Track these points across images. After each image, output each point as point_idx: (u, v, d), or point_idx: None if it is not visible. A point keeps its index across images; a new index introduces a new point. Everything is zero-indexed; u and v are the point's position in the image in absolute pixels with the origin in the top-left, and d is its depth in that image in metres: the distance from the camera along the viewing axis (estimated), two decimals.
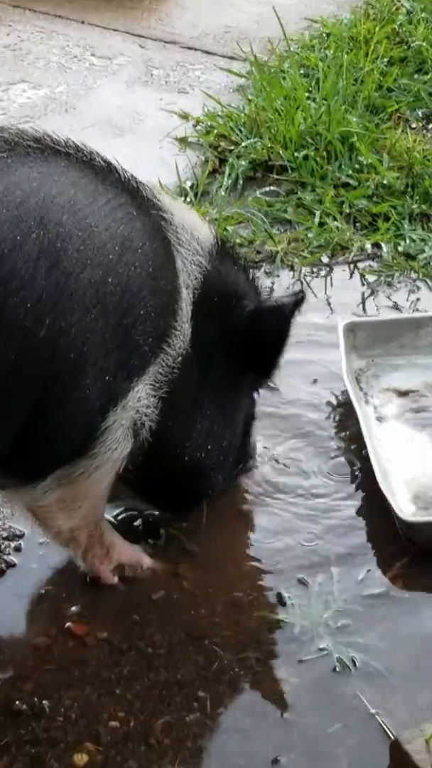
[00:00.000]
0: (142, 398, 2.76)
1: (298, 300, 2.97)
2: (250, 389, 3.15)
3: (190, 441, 2.95)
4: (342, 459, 3.43)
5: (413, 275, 4.20)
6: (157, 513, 3.22)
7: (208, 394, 2.96)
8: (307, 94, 4.91)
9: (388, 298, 4.10)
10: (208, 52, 5.66)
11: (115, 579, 3.05)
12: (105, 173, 2.75)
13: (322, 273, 4.24)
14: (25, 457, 2.68)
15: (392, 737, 2.61)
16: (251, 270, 3.14)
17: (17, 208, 2.53)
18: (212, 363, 2.95)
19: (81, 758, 2.66)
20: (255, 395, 3.21)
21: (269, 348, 3.00)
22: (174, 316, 2.79)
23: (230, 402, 3.04)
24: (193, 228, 2.90)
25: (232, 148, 4.77)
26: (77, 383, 2.61)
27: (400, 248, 4.31)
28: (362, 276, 4.21)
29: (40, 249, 2.53)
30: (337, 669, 2.85)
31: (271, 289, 4.05)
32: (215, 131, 4.86)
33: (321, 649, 2.89)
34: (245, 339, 2.96)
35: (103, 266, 2.62)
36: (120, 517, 3.24)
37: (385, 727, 2.69)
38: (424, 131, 4.92)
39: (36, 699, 2.78)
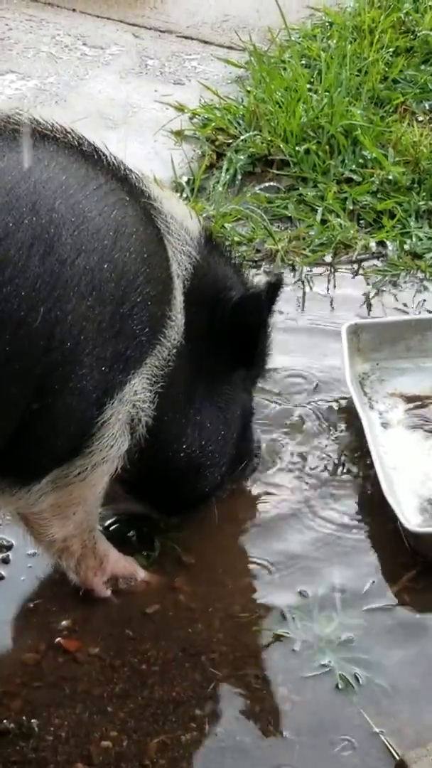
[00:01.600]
0: (138, 392, 2.78)
1: (273, 287, 3.01)
2: (245, 384, 3.18)
3: (186, 437, 2.97)
4: (346, 467, 3.44)
5: (420, 275, 4.22)
6: (154, 518, 3.23)
7: (201, 389, 2.99)
8: (308, 86, 4.93)
9: (394, 298, 4.11)
10: (206, 42, 5.68)
11: (109, 592, 3.06)
12: (94, 158, 2.78)
13: (325, 272, 4.25)
14: (21, 456, 2.70)
15: (397, 757, 2.62)
16: (238, 261, 3.18)
17: (8, 194, 2.54)
18: (205, 357, 2.97)
19: None
20: (250, 390, 3.24)
21: (248, 337, 3.03)
22: (168, 305, 2.82)
23: (224, 397, 3.06)
24: (182, 218, 2.93)
25: (230, 141, 4.79)
26: (74, 374, 2.63)
27: (406, 247, 4.32)
28: (366, 276, 4.22)
29: (34, 235, 2.54)
30: (340, 686, 2.85)
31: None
32: (212, 124, 4.88)
33: (323, 666, 2.90)
34: (229, 330, 2.99)
35: (98, 252, 2.64)
36: (113, 528, 3.25)
37: (389, 747, 2.70)
38: (431, 124, 4.93)
39: (24, 718, 2.79)
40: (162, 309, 2.80)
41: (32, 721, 2.78)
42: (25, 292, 2.52)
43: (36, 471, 2.77)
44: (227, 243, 3.07)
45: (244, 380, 3.16)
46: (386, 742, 2.72)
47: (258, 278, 3.93)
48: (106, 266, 2.65)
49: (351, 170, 4.61)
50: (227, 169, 4.64)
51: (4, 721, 2.78)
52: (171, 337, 2.83)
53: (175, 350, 2.85)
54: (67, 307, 2.58)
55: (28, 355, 2.55)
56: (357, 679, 2.86)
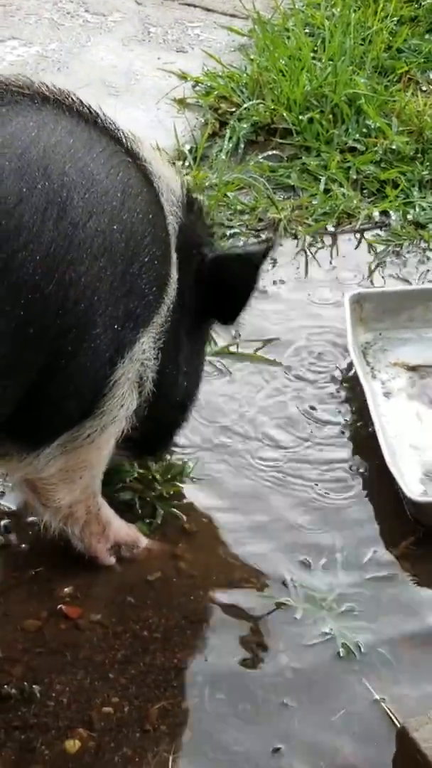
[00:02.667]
0: (146, 350, 2.82)
1: (266, 249, 3.03)
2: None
3: (177, 386, 3.04)
4: (348, 436, 3.44)
5: (423, 245, 4.21)
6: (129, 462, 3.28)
7: (185, 339, 3.03)
8: (312, 54, 4.91)
9: (397, 268, 4.11)
10: (208, 9, 5.65)
11: (113, 560, 3.08)
12: (94, 121, 2.78)
13: (328, 242, 4.24)
14: (33, 419, 2.71)
15: (398, 725, 2.62)
16: (209, 217, 3.23)
17: (19, 159, 2.54)
18: (187, 309, 3.00)
19: (73, 745, 2.68)
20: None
21: (235, 296, 3.07)
22: (170, 264, 2.87)
23: (201, 345, 3.16)
24: (169, 179, 2.94)
25: (233, 110, 4.77)
26: (87, 334, 2.64)
27: (409, 216, 4.31)
28: (369, 245, 4.22)
29: (47, 200, 2.55)
30: (341, 654, 2.86)
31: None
32: (215, 92, 4.85)
33: (324, 634, 2.91)
34: (209, 286, 3.02)
35: (107, 214, 2.66)
36: (115, 495, 3.25)
37: (391, 715, 2.71)
38: None
39: (26, 683, 2.80)
40: (165, 268, 2.84)
41: (34, 686, 2.79)
42: (39, 257, 2.53)
43: (47, 434, 2.78)
44: (199, 201, 3.09)
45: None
46: (387, 710, 2.73)
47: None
48: (116, 227, 2.67)
49: (354, 139, 4.60)
50: (230, 138, 4.62)
51: (6, 686, 2.78)
52: (170, 294, 2.88)
53: (171, 306, 2.89)
54: (80, 269, 2.59)
55: (43, 319, 2.56)
56: (358, 647, 2.87)
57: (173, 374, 3.00)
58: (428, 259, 4.15)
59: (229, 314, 3.12)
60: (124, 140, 2.82)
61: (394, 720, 2.69)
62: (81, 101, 2.79)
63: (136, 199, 2.74)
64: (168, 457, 3.35)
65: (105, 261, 2.64)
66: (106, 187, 2.67)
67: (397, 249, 4.19)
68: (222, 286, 3.03)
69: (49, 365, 2.62)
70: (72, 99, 2.78)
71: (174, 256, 2.90)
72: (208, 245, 3.08)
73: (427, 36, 5.19)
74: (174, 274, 2.89)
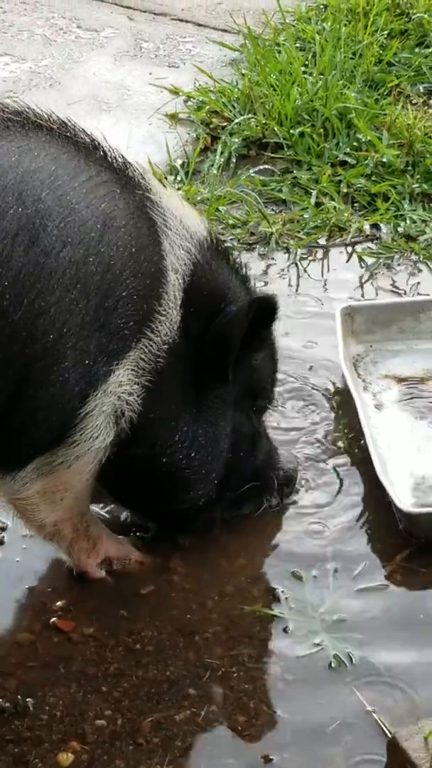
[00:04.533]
0: (123, 383, 2.77)
1: (257, 304, 2.88)
2: (241, 404, 3.05)
3: (171, 439, 2.90)
4: (340, 448, 3.46)
5: (414, 257, 4.23)
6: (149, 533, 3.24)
7: (195, 394, 2.91)
8: (303, 69, 4.95)
9: (388, 281, 4.13)
10: (200, 25, 5.68)
11: (103, 573, 3.09)
12: (89, 150, 2.77)
13: (319, 255, 4.26)
14: (3, 446, 2.71)
15: (389, 735, 2.64)
16: (246, 273, 3.06)
17: None
18: (199, 364, 2.90)
19: (66, 758, 2.70)
20: (249, 414, 3.11)
21: (221, 353, 2.90)
22: (158, 300, 2.79)
23: (213, 412, 2.96)
24: (183, 215, 2.89)
25: (224, 124, 4.80)
26: (56, 366, 2.63)
27: (400, 229, 4.34)
28: (360, 258, 4.24)
29: (19, 226, 2.55)
30: (333, 665, 2.88)
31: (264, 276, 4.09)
32: (207, 107, 4.89)
33: (316, 645, 2.93)
34: (209, 342, 2.89)
35: (84, 245, 2.64)
36: (107, 510, 3.27)
37: (381, 725, 2.73)
38: (426, 107, 4.94)
39: (19, 697, 2.81)
40: (150, 303, 2.77)
41: (27, 700, 2.80)
42: (8, 282, 2.53)
43: (18, 459, 2.78)
44: (234, 253, 2.98)
45: (238, 401, 3.03)
46: (378, 720, 2.74)
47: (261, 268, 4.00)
48: (91, 259, 2.65)
49: (345, 153, 4.63)
50: (222, 152, 4.65)
51: (0, 700, 2.80)
52: (161, 332, 2.80)
53: (166, 346, 2.82)
54: (50, 299, 2.58)
55: (10, 346, 2.57)
56: (350, 658, 2.89)
57: (164, 421, 2.87)
58: (419, 271, 4.18)
59: (221, 374, 2.93)
60: (123, 171, 2.80)
61: (385, 730, 2.71)
62: (80, 131, 2.79)
63: (119, 231, 2.70)
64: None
65: (77, 293, 2.62)
66: (85, 217, 2.65)
67: (388, 261, 4.22)
68: (213, 341, 2.88)
69: (17, 393, 2.61)
70: (68, 128, 2.78)
71: (173, 292, 2.81)
72: (236, 302, 2.91)
73: (416, 49, 5.23)
74: (171, 312, 2.81)
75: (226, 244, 3.03)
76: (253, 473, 3.14)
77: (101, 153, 2.79)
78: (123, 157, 2.84)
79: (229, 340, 2.88)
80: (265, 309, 2.90)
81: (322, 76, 4.86)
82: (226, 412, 2.99)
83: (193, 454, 2.92)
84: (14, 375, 2.59)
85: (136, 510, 3.19)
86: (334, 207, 4.40)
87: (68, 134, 2.77)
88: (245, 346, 2.92)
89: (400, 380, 3.66)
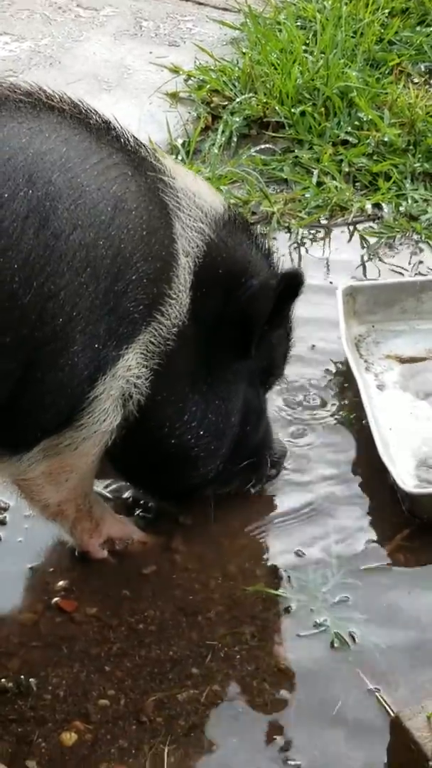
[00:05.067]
0: (132, 367, 2.76)
1: (286, 279, 2.89)
2: (253, 380, 3.05)
3: (181, 421, 2.91)
4: (341, 428, 3.46)
5: (415, 237, 4.23)
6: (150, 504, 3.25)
7: (205, 375, 2.91)
8: (304, 47, 4.92)
9: (390, 261, 4.12)
10: (200, 3, 5.65)
11: (105, 553, 3.09)
12: (101, 131, 2.75)
13: (320, 235, 4.26)
14: (10, 427, 2.70)
15: (392, 714, 2.65)
16: (267, 247, 3.03)
17: (5, 164, 2.54)
18: (213, 342, 2.89)
19: (69, 737, 2.70)
20: (260, 389, 3.11)
21: (247, 328, 2.91)
22: (168, 283, 2.78)
23: (227, 388, 2.96)
24: (197, 195, 2.86)
25: (225, 103, 4.78)
26: (65, 350, 2.62)
27: (401, 209, 4.33)
28: (362, 238, 4.24)
29: (29, 208, 2.54)
30: (336, 645, 2.89)
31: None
32: (208, 86, 4.87)
33: (318, 625, 2.93)
34: (234, 317, 2.88)
35: (94, 228, 2.62)
36: (110, 489, 3.27)
37: (384, 704, 2.74)
38: (427, 86, 4.92)
39: (22, 677, 2.82)
40: (160, 287, 2.76)
41: (30, 680, 2.81)
42: (18, 265, 2.52)
43: (26, 441, 2.78)
44: (254, 228, 2.97)
45: (252, 375, 3.04)
46: (381, 700, 2.75)
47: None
48: (102, 242, 2.63)
49: (346, 132, 4.61)
50: (223, 132, 4.63)
51: (3, 680, 2.81)
52: (171, 315, 2.79)
53: (175, 329, 2.81)
54: (60, 282, 2.58)
55: (19, 329, 2.56)
56: (352, 638, 2.90)
57: (173, 402, 2.87)
58: (421, 250, 4.17)
59: (245, 349, 2.93)
60: (136, 153, 2.78)
61: (388, 709, 2.71)
62: (92, 112, 2.77)
63: (130, 214, 2.68)
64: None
65: (87, 276, 2.61)
66: (96, 200, 2.63)
67: (390, 241, 4.21)
68: (241, 318, 2.88)
69: (26, 376, 2.60)
70: (80, 109, 2.76)
71: (183, 275, 2.79)
72: (259, 275, 2.89)
73: (418, 28, 5.20)
74: (180, 295, 2.79)
75: (245, 219, 3.01)
76: (254, 449, 3.14)
77: (113, 134, 2.77)
78: (135, 138, 2.81)
79: (255, 314, 2.88)
80: (292, 284, 2.90)
81: (323, 55, 4.84)
82: (239, 386, 2.99)
83: (202, 433, 2.92)
84: (23, 358, 2.59)
85: (143, 487, 3.18)
86: (336, 186, 4.39)
87: (80, 115, 2.74)
88: (269, 320, 2.93)
89: (402, 360, 3.66)
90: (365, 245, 4.20)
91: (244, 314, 2.87)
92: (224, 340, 2.89)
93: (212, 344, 2.89)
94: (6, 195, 2.52)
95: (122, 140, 2.78)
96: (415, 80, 4.96)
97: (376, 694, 2.77)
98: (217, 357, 2.91)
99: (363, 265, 4.11)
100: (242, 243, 2.93)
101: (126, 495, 3.27)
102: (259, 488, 3.25)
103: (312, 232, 4.26)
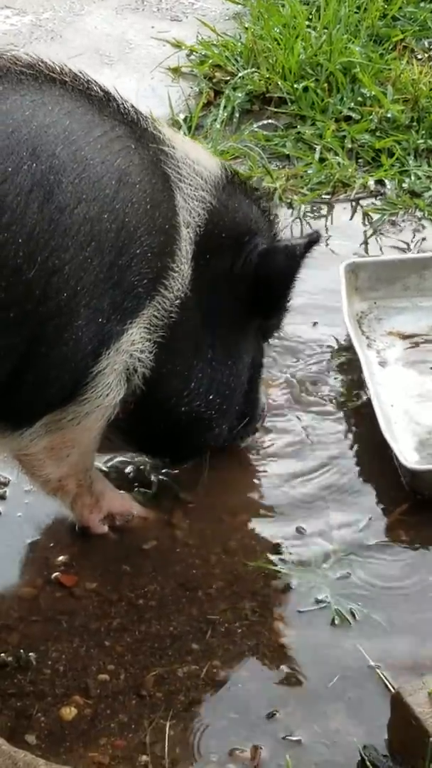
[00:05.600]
0: (136, 342, 2.76)
1: (311, 241, 2.97)
2: (258, 335, 3.12)
3: (189, 389, 2.93)
4: (343, 405, 3.45)
5: (418, 213, 4.21)
6: (150, 460, 3.24)
7: (210, 341, 2.93)
8: (307, 23, 4.90)
9: (392, 237, 4.11)
10: None
11: (105, 528, 3.09)
12: (102, 103, 2.73)
13: (323, 211, 4.24)
14: (14, 401, 2.70)
15: (393, 690, 2.64)
16: (266, 204, 3.09)
17: (8, 138, 2.52)
18: (217, 306, 2.92)
19: (69, 712, 2.70)
20: (262, 345, 3.17)
21: (275, 289, 2.99)
22: (172, 256, 2.78)
23: (236, 347, 3.00)
24: (196, 162, 2.87)
25: (227, 79, 4.76)
26: (69, 325, 2.61)
27: (404, 185, 4.31)
28: (365, 214, 4.22)
29: (33, 182, 2.52)
30: (336, 621, 2.88)
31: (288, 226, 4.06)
32: (210, 61, 4.85)
33: (319, 601, 2.92)
34: (254, 279, 2.94)
35: (98, 201, 2.61)
36: (110, 465, 3.26)
37: (385, 680, 2.73)
38: (431, 62, 4.90)
39: (22, 651, 2.81)
40: (164, 260, 2.76)
41: (30, 654, 2.81)
42: (22, 240, 2.51)
43: (29, 416, 2.77)
44: (252, 186, 3.03)
45: (257, 331, 3.10)
46: (382, 676, 2.75)
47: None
48: (106, 216, 2.62)
49: (350, 108, 4.59)
50: (225, 107, 4.62)
51: (2, 654, 2.81)
52: (174, 288, 2.80)
53: (178, 301, 2.81)
54: (64, 256, 2.56)
55: (24, 304, 2.55)
56: (353, 614, 2.89)
57: (179, 373, 2.90)
58: (423, 227, 4.15)
59: (269, 309, 3.03)
60: (138, 124, 2.77)
61: (389, 685, 2.71)
62: (93, 84, 2.75)
63: (134, 188, 2.67)
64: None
65: (92, 250, 2.59)
66: (100, 173, 2.62)
67: (393, 218, 4.20)
68: (264, 279, 2.94)
69: (30, 351, 2.59)
70: (81, 81, 2.74)
71: (185, 247, 2.81)
72: (262, 235, 2.98)
73: (422, 4, 5.17)
74: (183, 267, 2.81)
75: (241, 177, 3.04)
76: (251, 404, 3.19)
77: (114, 106, 2.75)
78: (135, 109, 2.80)
79: (287, 276, 2.98)
80: (312, 245, 2.99)
81: (326, 31, 4.81)
82: (247, 345, 3.04)
83: (212, 397, 2.96)
84: (28, 333, 2.57)
85: (155, 454, 3.19)
86: (338, 162, 4.37)
87: (81, 88, 2.72)
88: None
89: (405, 337, 3.65)
90: (368, 222, 4.18)
91: (267, 274, 2.94)
92: (231, 303, 2.93)
93: (218, 310, 2.92)
94: (10, 169, 2.50)
95: (123, 112, 2.77)
96: (419, 56, 4.94)
97: (377, 670, 2.76)
98: (225, 321, 2.94)
99: (365, 241, 4.09)
100: (242, 203, 2.98)
101: (127, 470, 3.26)
102: (247, 441, 3.29)
103: (314, 208, 4.24)
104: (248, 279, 2.93)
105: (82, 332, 2.64)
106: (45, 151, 2.56)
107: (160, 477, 3.25)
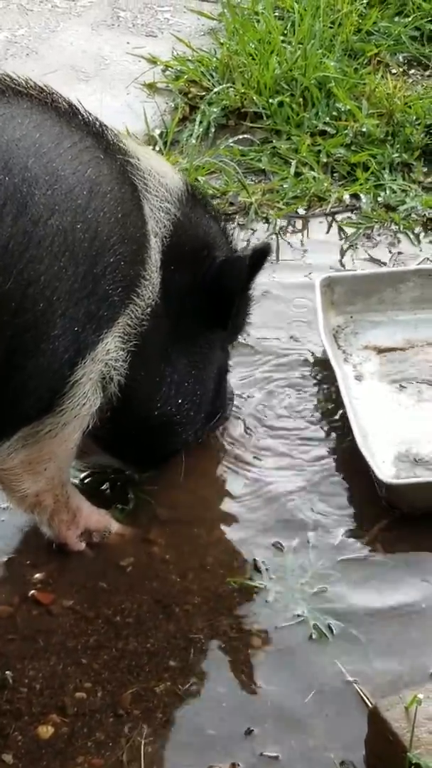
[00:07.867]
0: (111, 351, 2.77)
1: (258, 252, 3.01)
2: (222, 343, 3.17)
3: (160, 395, 2.97)
4: (320, 419, 3.45)
5: (393, 227, 4.21)
6: (127, 472, 3.24)
7: (178, 348, 2.98)
8: (282, 38, 4.90)
9: (368, 251, 4.11)
10: None
11: (83, 545, 3.07)
12: (69, 115, 2.75)
13: (299, 225, 4.24)
14: None
15: (370, 705, 2.64)
16: (223, 219, 3.15)
17: None
18: (183, 315, 2.96)
19: (46, 730, 2.69)
20: (228, 349, 3.24)
21: (226, 300, 3.02)
22: (143, 264, 2.80)
23: (201, 356, 3.05)
24: (161, 174, 2.90)
25: (203, 94, 4.76)
26: (46, 335, 2.61)
27: (380, 199, 4.32)
28: (340, 228, 4.22)
29: (6, 195, 2.52)
30: (314, 636, 2.87)
31: (246, 240, 4.07)
32: (185, 76, 4.85)
33: (297, 616, 2.92)
34: (209, 291, 2.98)
35: (71, 212, 2.62)
36: (87, 482, 3.26)
37: (362, 695, 2.73)
38: (405, 76, 4.92)
39: None
40: (136, 269, 2.78)
41: (6, 672, 2.79)
42: None
43: (6, 429, 2.76)
44: (211, 200, 3.05)
45: (222, 339, 3.15)
46: (360, 691, 2.74)
47: (241, 238, 3.98)
48: (79, 226, 2.63)
49: (325, 123, 4.60)
50: (200, 122, 4.62)
51: None
52: (145, 296, 2.82)
53: (149, 309, 2.83)
54: (39, 268, 2.56)
55: (0, 317, 2.54)
56: (330, 629, 2.88)
57: (152, 380, 2.94)
58: (399, 241, 4.16)
59: (225, 320, 3.06)
60: (103, 136, 2.79)
61: (366, 700, 2.70)
62: (59, 96, 2.77)
63: (105, 197, 2.69)
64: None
65: (66, 260, 2.60)
66: (72, 184, 2.63)
67: (368, 231, 4.20)
68: (216, 290, 2.99)
69: (7, 364, 2.59)
70: (47, 94, 2.76)
71: (154, 256, 2.84)
72: (221, 248, 3.03)
73: (396, 18, 5.19)
74: (153, 275, 2.84)
75: (202, 192, 3.09)
76: (220, 405, 3.26)
77: (80, 118, 2.78)
78: (100, 121, 2.82)
79: (234, 288, 3.01)
80: (263, 256, 3.02)
81: (301, 45, 4.82)
82: (213, 353, 3.10)
83: (181, 401, 3.02)
84: (4, 346, 2.57)
85: (127, 461, 3.20)
86: (314, 177, 4.38)
87: (47, 100, 2.74)
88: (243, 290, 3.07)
89: (381, 351, 3.65)
90: (343, 236, 4.19)
91: (219, 286, 2.97)
92: (195, 313, 2.97)
93: (184, 319, 2.96)
94: None
95: (89, 123, 2.79)
96: (393, 71, 4.96)
97: (354, 685, 2.75)
98: (190, 330, 3.00)
99: (341, 255, 4.09)
100: (203, 217, 3.03)
101: (103, 487, 3.25)
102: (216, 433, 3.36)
103: (290, 222, 4.25)
104: (206, 291, 2.98)
105: (58, 342, 2.64)
106: (17, 164, 2.56)
107: (137, 493, 3.23)
